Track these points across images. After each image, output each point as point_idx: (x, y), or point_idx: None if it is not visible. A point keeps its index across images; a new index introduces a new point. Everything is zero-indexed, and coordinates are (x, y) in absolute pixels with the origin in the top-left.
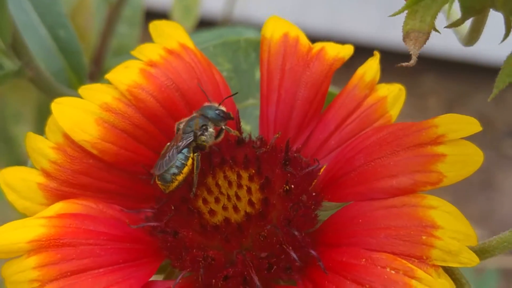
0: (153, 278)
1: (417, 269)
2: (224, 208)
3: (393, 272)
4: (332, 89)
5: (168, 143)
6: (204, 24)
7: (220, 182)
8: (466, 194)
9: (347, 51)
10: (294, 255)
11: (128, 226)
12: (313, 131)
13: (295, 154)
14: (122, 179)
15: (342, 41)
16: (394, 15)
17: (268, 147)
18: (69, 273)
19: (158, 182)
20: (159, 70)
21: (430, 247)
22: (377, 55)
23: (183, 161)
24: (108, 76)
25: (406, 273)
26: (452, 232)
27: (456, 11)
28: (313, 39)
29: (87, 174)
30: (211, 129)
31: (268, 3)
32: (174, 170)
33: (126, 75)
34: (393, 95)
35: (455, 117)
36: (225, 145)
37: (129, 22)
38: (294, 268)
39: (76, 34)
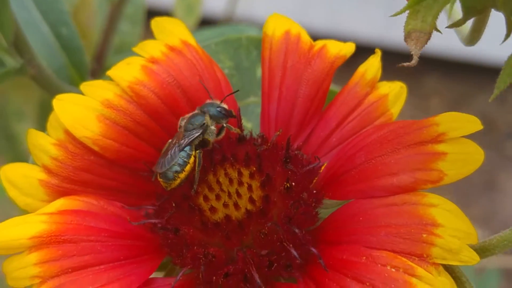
0: (153, 275)
1: (417, 267)
2: (225, 205)
3: (393, 270)
4: (333, 87)
5: (170, 140)
6: (206, 23)
7: (221, 180)
8: (468, 195)
9: (349, 48)
10: (294, 253)
11: (129, 223)
12: (314, 128)
13: (296, 152)
14: (123, 176)
15: (343, 41)
16: (395, 15)
17: (269, 144)
18: (70, 270)
19: (160, 180)
20: (160, 67)
21: (430, 245)
22: (378, 53)
23: (185, 159)
24: (109, 72)
25: (407, 271)
26: (452, 230)
27: (457, 11)
28: (314, 39)
29: (88, 171)
30: (212, 127)
31: (269, 2)
32: (177, 168)
33: (127, 71)
34: (394, 93)
35: (456, 116)
36: (226, 142)
37: (131, 19)
38: (295, 265)
39: (78, 32)
